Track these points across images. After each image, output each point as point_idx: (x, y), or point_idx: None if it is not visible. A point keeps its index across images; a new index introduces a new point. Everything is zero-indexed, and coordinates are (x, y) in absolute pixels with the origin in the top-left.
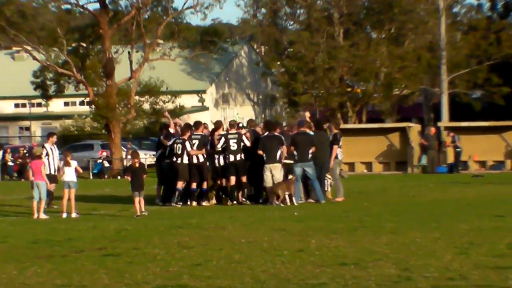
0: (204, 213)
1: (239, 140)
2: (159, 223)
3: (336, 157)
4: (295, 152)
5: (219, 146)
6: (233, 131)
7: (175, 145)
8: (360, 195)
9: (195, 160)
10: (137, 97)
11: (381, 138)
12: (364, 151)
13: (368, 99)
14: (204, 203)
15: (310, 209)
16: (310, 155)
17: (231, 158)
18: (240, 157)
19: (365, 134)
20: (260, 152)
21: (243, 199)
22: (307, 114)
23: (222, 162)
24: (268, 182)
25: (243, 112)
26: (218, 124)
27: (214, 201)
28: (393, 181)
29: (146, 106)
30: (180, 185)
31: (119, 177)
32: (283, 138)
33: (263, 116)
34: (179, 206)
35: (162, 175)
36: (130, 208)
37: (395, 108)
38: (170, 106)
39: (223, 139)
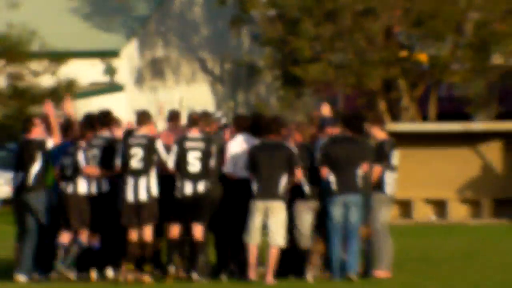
0: None
1: (208, 153)
2: None
3: (382, 189)
4: (330, 178)
5: (170, 164)
6: (195, 134)
7: (62, 160)
8: (422, 266)
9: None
10: None
11: (466, 153)
12: (431, 177)
13: (442, 75)
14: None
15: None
16: (358, 180)
17: (187, 188)
18: (207, 186)
19: (435, 144)
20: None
21: (196, 275)
22: (325, 108)
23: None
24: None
25: (192, 96)
26: (174, 115)
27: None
28: (489, 237)
29: (1, 81)
30: (66, 238)
31: None
32: (293, 150)
33: (232, 104)
34: (71, 276)
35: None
36: None
37: (495, 93)
38: (47, 80)
39: (175, 150)
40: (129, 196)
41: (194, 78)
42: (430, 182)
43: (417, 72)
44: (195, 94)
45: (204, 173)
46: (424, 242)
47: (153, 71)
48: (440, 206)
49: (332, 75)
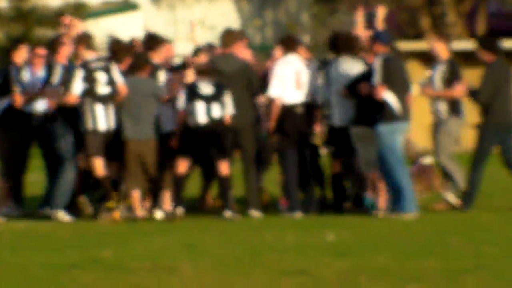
0: (132, 235)
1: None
2: (33, 257)
3: (458, 110)
4: (387, 96)
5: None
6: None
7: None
8: (483, 198)
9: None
10: None
11: None
12: None
13: None
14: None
15: (367, 226)
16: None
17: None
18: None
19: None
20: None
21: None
22: (381, 10)
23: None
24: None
25: (214, 14)
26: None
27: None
28: None
29: (3, 2)
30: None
31: None
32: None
33: (259, 23)
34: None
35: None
36: None
37: None
38: (54, 1)
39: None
40: None
41: None
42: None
43: None
44: (217, 13)
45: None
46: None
47: None
48: None
49: None
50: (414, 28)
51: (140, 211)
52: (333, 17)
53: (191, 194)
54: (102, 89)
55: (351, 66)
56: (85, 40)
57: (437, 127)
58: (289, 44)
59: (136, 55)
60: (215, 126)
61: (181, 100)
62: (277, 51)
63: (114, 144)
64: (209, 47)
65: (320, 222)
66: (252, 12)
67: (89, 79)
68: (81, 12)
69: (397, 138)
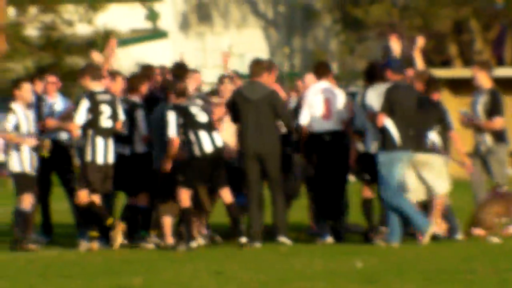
0: (161, 262)
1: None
2: (64, 284)
3: (504, 139)
4: (387, 124)
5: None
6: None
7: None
8: None
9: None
10: (12, 11)
11: None
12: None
13: None
14: (189, 244)
15: (394, 252)
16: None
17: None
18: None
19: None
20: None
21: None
22: (421, 39)
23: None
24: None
25: (242, 42)
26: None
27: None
28: None
29: (33, 31)
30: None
31: None
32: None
33: (287, 51)
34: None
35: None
36: None
37: None
38: (83, 30)
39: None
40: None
41: (245, 22)
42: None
43: (491, 11)
44: (246, 40)
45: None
46: None
47: (200, 15)
48: None
49: (396, 16)
50: (442, 55)
51: (170, 239)
52: (361, 44)
53: (219, 220)
54: (105, 122)
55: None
56: (89, 71)
57: (485, 157)
58: (321, 70)
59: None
60: (220, 155)
61: (173, 127)
62: (308, 78)
63: (143, 174)
64: (234, 75)
65: (347, 248)
66: (280, 40)
67: (94, 111)
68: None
69: (396, 168)
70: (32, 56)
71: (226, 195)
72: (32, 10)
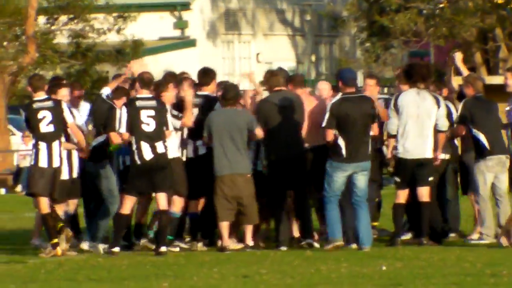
0: (189, 266)
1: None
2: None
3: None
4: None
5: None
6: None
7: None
8: None
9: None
10: (42, 20)
11: None
12: None
13: None
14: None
15: (419, 257)
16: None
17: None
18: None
19: None
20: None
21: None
22: (459, 54)
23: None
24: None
25: (270, 50)
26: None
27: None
28: None
29: (62, 39)
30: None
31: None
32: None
33: (314, 58)
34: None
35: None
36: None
37: None
38: (112, 37)
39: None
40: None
41: (272, 30)
42: None
43: None
44: (273, 48)
45: None
46: None
47: (227, 23)
48: None
49: (422, 25)
50: (467, 63)
51: (227, 242)
52: (386, 52)
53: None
54: (45, 127)
55: (418, 98)
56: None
57: None
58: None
59: (227, 87)
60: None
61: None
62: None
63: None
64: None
65: (373, 253)
66: (307, 48)
67: (33, 118)
68: (139, 48)
69: (338, 176)
70: (62, 63)
71: (162, 200)
72: (62, 18)
